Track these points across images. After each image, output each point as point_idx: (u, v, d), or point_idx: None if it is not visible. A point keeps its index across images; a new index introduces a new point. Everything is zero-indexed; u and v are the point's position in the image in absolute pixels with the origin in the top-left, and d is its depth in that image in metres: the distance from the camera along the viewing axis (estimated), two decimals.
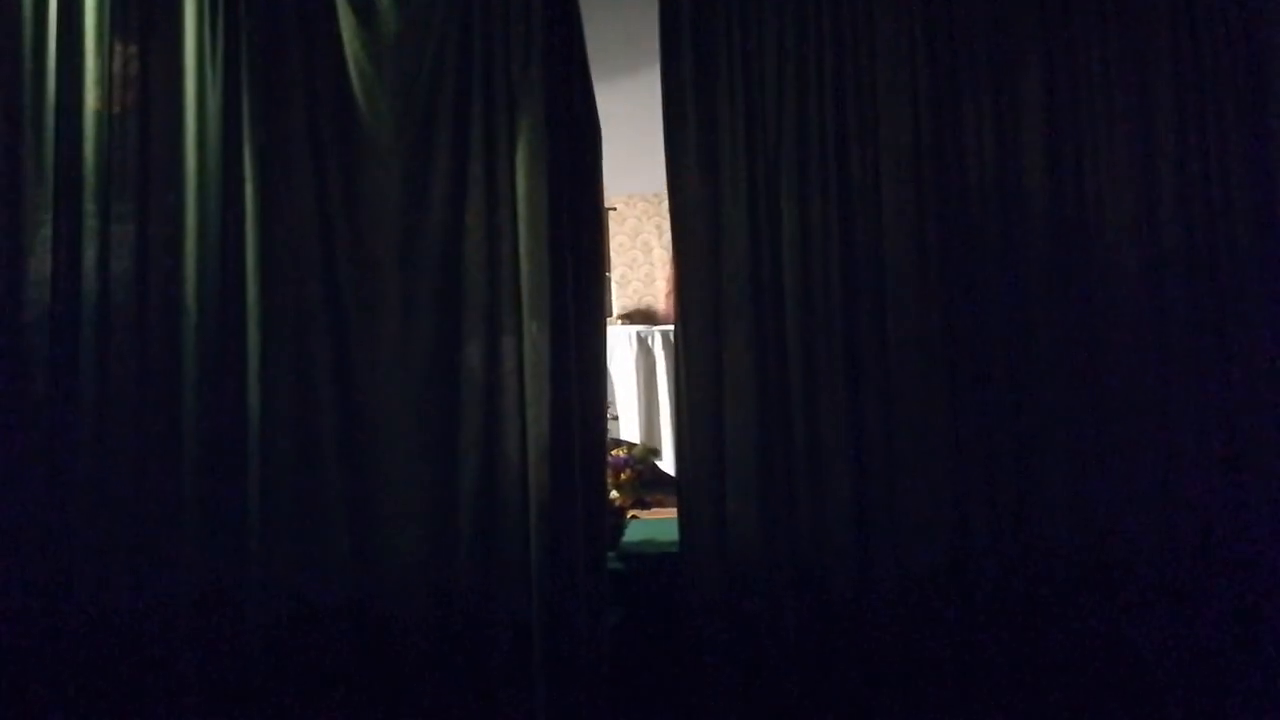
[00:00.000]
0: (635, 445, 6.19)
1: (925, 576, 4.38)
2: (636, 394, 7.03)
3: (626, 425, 7.02)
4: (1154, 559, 4.40)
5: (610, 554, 4.79)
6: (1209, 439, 4.47)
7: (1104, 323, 4.50)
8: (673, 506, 4.66)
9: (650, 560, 4.94)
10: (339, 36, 4.44)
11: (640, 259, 10.36)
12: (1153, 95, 4.59)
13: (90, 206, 4.28)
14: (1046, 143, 4.55)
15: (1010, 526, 4.42)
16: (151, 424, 4.27)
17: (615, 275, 9.79)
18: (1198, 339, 4.51)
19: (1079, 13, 4.61)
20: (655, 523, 5.43)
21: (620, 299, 9.93)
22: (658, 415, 6.99)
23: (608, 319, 5.10)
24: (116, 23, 4.35)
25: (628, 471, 5.39)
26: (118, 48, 4.35)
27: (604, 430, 4.65)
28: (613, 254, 9.64)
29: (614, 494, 5.10)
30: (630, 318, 9.36)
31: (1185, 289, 4.52)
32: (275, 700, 4.23)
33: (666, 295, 7.95)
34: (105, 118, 4.31)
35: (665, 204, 4.72)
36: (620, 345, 7.03)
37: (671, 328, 5.04)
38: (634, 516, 5.31)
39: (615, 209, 9.56)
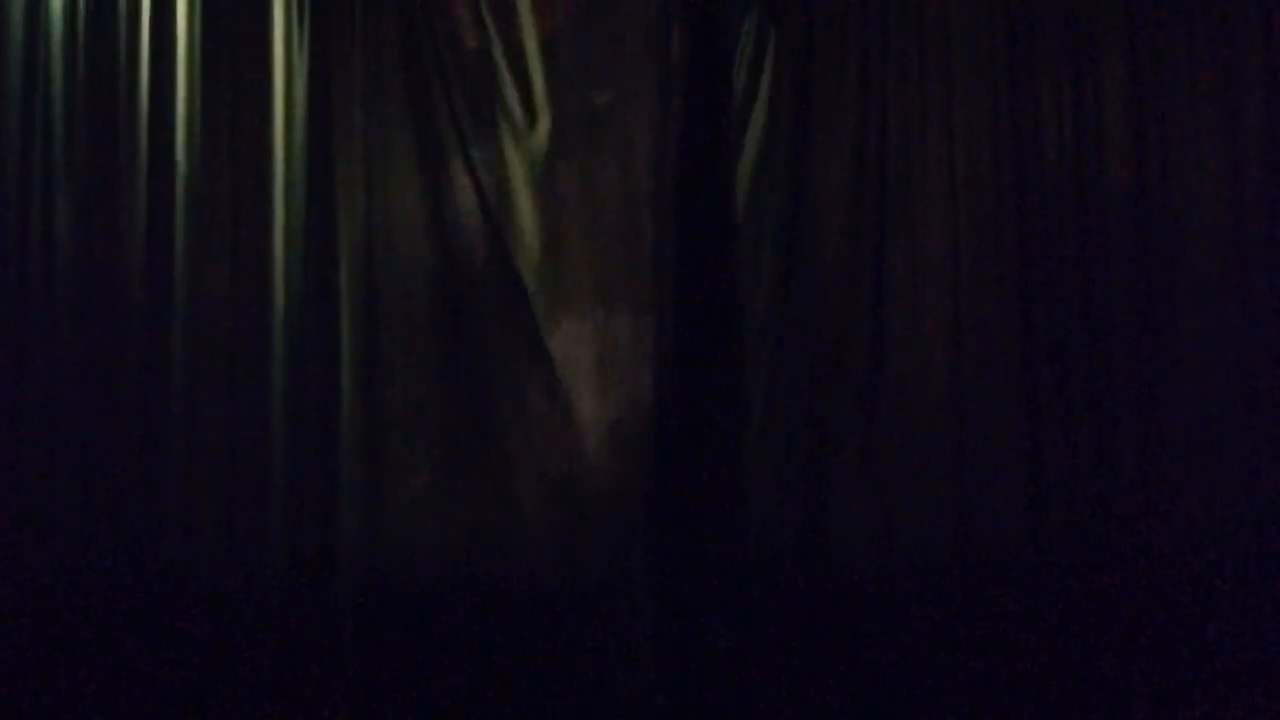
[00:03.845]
0: None
1: (993, 551, 4.40)
2: None
3: None
4: (1240, 546, 4.40)
5: None
6: None
7: (1187, 307, 4.48)
8: None
9: None
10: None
11: None
12: (1238, 75, 4.55)
13: (181, 194, 4.36)
14: (1127, 123, 4.53)
15: (1085, 506, 4.43)
16: (242, 403, 4.36)
17: None
18: None
19: None
20: None
21: None
22: None
23: None
24: (208, 14, 4.42)
25: None
26: (209, 39, 4.41)
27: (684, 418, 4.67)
28: None
29: None
30: None
31: (1271, 272, 4.49)
32: (358, 669, 4.31)
33: None
34: (197, 108, 4.39)
35: None
36: None
37: None
38: None
39: None
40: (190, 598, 4.26)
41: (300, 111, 4.42)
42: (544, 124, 4.51)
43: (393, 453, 4.37)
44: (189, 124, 4.38)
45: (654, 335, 4.45)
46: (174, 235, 4.35)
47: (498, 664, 4.35)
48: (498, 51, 4.50)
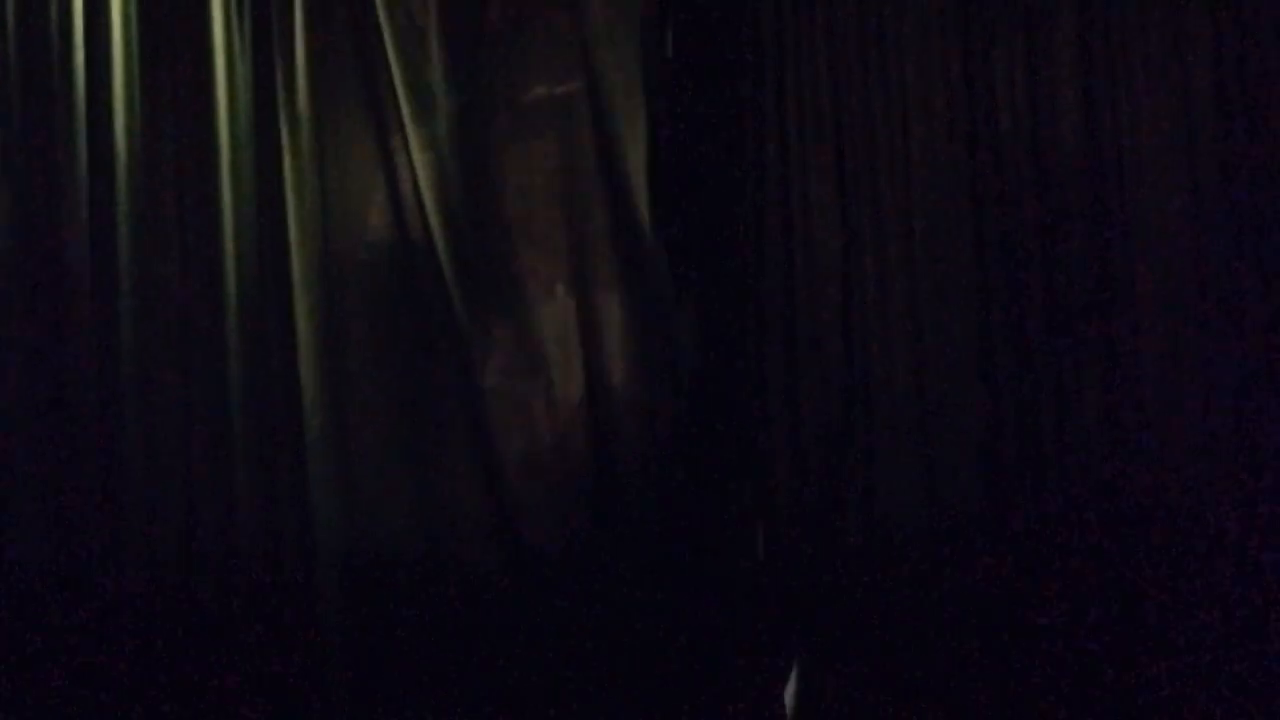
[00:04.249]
0: None
1: (953, 525, 4.37)
2: None
3: None
4: (1199, 527, 4.32)
5: None
6: (1250, 385, 4.35)
7: (1141, 268, 4.43)
8: None
9: None
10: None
11: None
12: (1187, 38, 4.46)
13: (123, 180, 4.28)
14: (1079, 83, 4.47)
15: (1044, 485, 4.38)
16: (198, 393, 4.32)
17: None
18: (1237, 281, 4.39)
19: None
20: None
21: None
22: None
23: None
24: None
25: None
26: (146, 18, 4.33)
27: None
28: None
29: None
30: None
31: (1225, 229, 4.41)
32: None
33: None
34: (136, 90, 4.31)
35: None
36: None
37: None
38: None
39: None
40: (155, 590, 4.23)
41: (244, 88, 4.34)
42: (490, 107, 4.47)
43: (358, 435, 4.36)
44: (128, 106, 4.29)
45: (616, 316, 4.44)
46: (117, 222, 4.27)
47: (478, 640, 4.36)
48: (438, 29, 4.43)
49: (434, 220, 4.38)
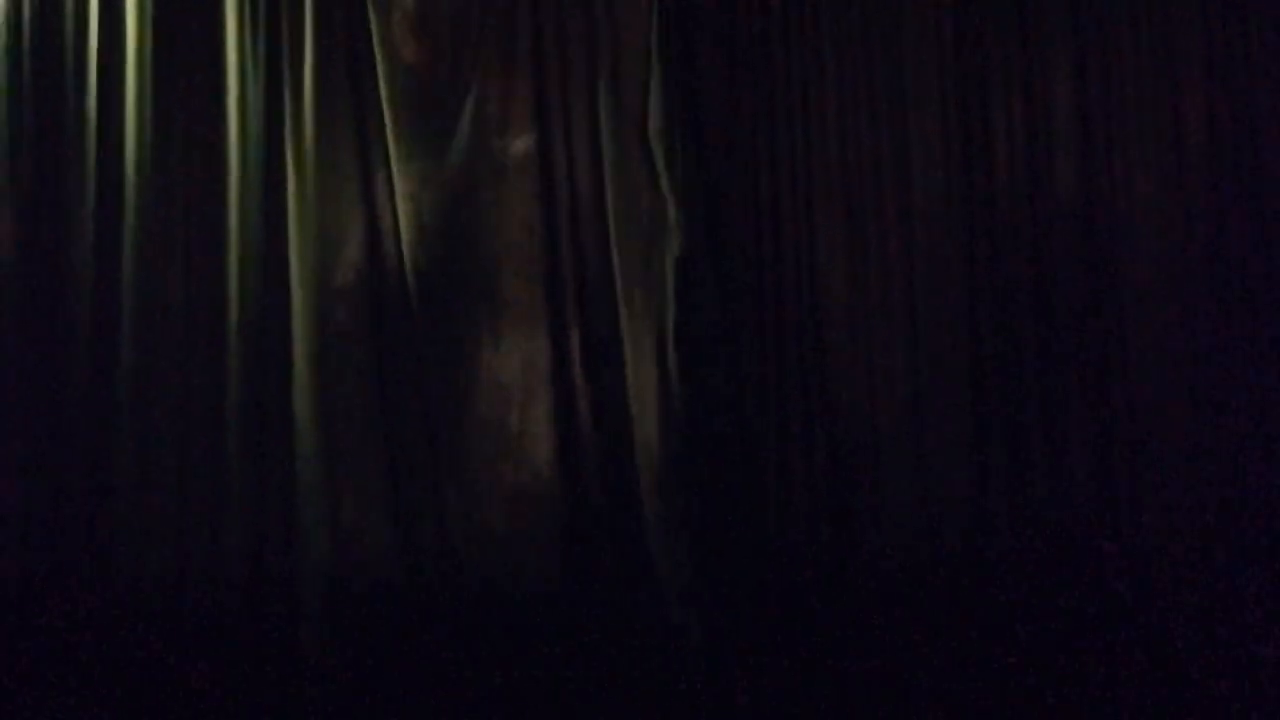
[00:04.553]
0: None
1: (946, 525, 4.46)
2: None
3: None
4: (1185, 547, 4.44)
5: None
6: (1239, 420, 4.47)
7: (1134, 309, 4.56)
8: None
9: None
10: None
11: None
12: (1181, 71, 4.64)
13: (131, 205, 4.38)
14: (1075, 130, 4.62)
15: (1034, 505, 4.48)
16: (196, 414, 4.39)
17: None
18: (1226, 318, 4.53)
19: None
20: None
21: None
22: None
23: None
24: (158, 26, 4.45)
25: None
26: (159, 51, 4.44)
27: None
28: None
29: None
30: None
31: (1214, 264, 4.56)
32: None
33: None
34: (146, 109, 4.41)
35: None
36: None
37: None
38: None
39: None
40: (147, 605, 4.27)
41: (255, 117, 4.45)
42: (472, 152, 4.59)
43: (344, 459, 4.43)
44: (138, 131, 4.40)
45: (585, 353, 4.53)
46: (122, 243, 4.37)
47: (445, 661, 4.39)
48: (429, 74, 4.59)
49: (412, 258, 4.50)
